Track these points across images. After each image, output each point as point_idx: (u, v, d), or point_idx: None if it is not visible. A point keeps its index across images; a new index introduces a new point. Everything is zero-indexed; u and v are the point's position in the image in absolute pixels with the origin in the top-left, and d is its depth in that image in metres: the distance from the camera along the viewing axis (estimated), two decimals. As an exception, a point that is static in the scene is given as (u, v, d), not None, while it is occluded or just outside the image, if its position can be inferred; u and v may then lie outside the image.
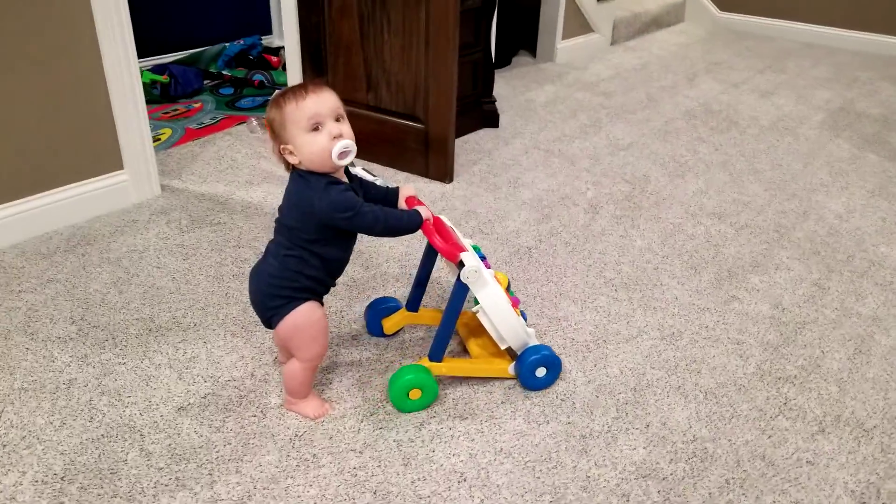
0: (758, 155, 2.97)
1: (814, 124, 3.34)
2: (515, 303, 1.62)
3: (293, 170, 1.40)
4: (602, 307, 1.92)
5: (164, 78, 3.40)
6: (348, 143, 1.34)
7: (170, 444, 1.44)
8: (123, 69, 2.23)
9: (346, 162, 1.36)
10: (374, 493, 1.35)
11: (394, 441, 1.47)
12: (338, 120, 1.36)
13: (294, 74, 2.92)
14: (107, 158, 2.31)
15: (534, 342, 1.60)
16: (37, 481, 1.36)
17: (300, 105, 1.32)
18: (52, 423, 1.49)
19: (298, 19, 2.77)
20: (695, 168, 2.82)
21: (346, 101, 2.74)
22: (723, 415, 1.55)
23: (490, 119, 3.21)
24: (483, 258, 1.57)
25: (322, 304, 1.48)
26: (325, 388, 1.61)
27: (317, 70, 2.81)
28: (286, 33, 2.85)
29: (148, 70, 3.46)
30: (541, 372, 1.59)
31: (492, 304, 1.51)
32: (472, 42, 3.00)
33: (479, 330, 1.68)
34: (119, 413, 1.52)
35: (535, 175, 2.71)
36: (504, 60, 4.19)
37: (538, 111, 3.43)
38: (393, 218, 1.42)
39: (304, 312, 1.42)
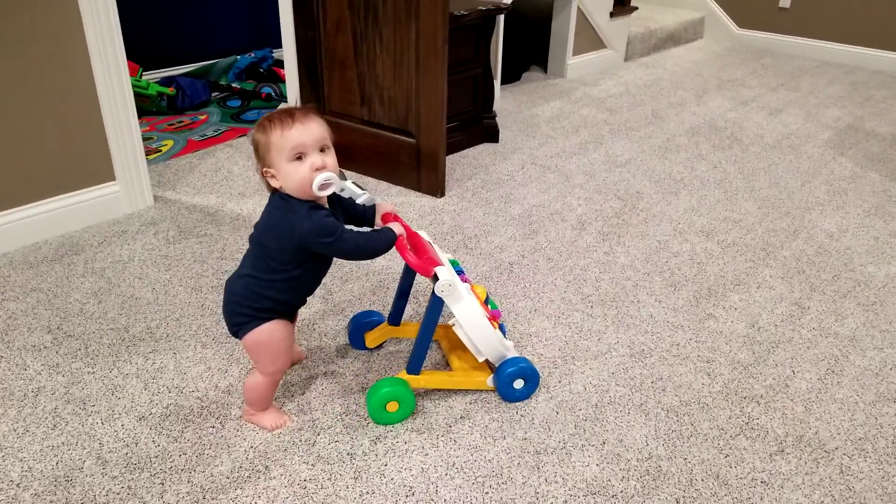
0: (756, 173, 2.93)
1: (819, 142, 3.29)
2: (496, 315, 1.62)
3: (274, 192, 1.41)
4: (575, 323, 1.90)
5: (170, 90, 3.47)
6: (329, 175, 1.34)
7: (126, 454, 1.46)
8: (115, 83, 2.28)
9: (326, 193, 1.36)
10: (321, 505, 1.35)
11: (347, 454, 1.47)
12: (322, 150, 1.36)
13: (292, 88, 2.97)
14: (99, 170, 2.36)
15: (512, 354, 1.60)
16: (-7, 486, 1.38)
17: (285, 134, 1.32)
18: (15, 430, 1.52)
19: (295, 34, 2.81)
20: (689, 185, 2.79)
21: (341, 115, 2.81)
22: (682, 433, 1.53)
23: (490, 134, 3.21)
24: (461, 272, 1.58)
25: (292, 321, 1.50)
26: (288, 400, 1.61)
27: (313, 84, 2.84)
28: (284, 47, 2.90)
29: (156, 82, 3.54)
30: (518, 384, 1.59)
31: (467, 318, 1.51)
32: (472, 58, 3.02)
33: (460, 343, 1.68)
34: (81, 421, 1.54)
35: (528, 191, 2.71)
36: (513, 76, 4.20)
37: (541, 127, 3.42)
38: (371, 241, 1.42)
39: (266, 331, 1.43)
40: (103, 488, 1.38)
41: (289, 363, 1.52)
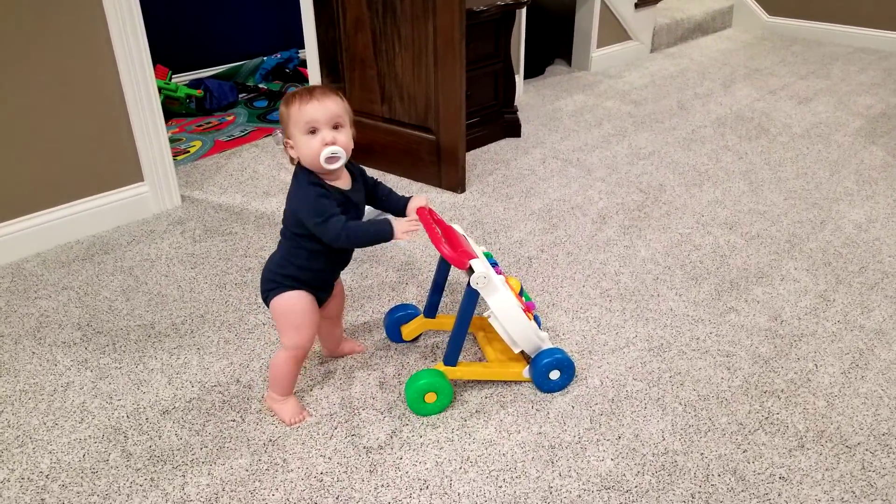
0: (784, 163, 2.88)
1: (849, 131, 3.22)
2: (530, 307, 1.63)
3: (296, 164, 1.46)
4: (593, 318, 1.89)
5: (198, 92, 3.53)
6: (336, 149, 1.39)
7: (150, 446, 1.50)
8: (141, 88, 2.33)
9: (334, 167, 1.41)
10: (337, 498, 1.37)
11: (363, 448, 1.49)
12: (336, 127, 1.40)
13: (315, 88, 2.99)
14: (128, 171, 2.42)
15: (547, 346, 1.61)
16: (23, 479, 1.43)
17: (301, 108, 1.38)
18: (45, 424, 1.57)
19: (316, 34, 2.84)
20: (714, 177, 2.76)
21: (362, 113, 2.84)
22: (699, 428, 1.51)
23: (512, 129, 3.21)
24: (494, 264, 1.60)
25: (320, 301, 1.53)
26: (306, 393, 1.64)
27: (335, 83, 2.87)
28: (307, 48, 2.92)
29: (184, 85, 3.60)
30: (554, 374, 1.60)
31: (502, 309, 1.53)
32: (492, 53, 3.02)
33: (495, 335, 1.70)
34: (108, 415, 1.59)
35: (549, 185, 2.70)
36: (537, 70, 4.18)
37: (564, 120, 3.41)
38: (359, 232, 1.42)
39: (288, 298, 1.48)
40: (127, 480, 1.42)
41: (310, 340, 1.52)
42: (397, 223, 1.45)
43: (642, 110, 3.54)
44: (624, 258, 2.18)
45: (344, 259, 1.56)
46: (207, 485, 1.41)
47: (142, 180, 2.46)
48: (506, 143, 3.12)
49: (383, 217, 1.49)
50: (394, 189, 1.61)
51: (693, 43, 4.91)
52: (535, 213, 2.48)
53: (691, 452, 1.45)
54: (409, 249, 2.23)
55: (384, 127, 2.78)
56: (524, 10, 3.59)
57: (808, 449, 1.46)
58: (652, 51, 4.69)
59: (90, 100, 2.25)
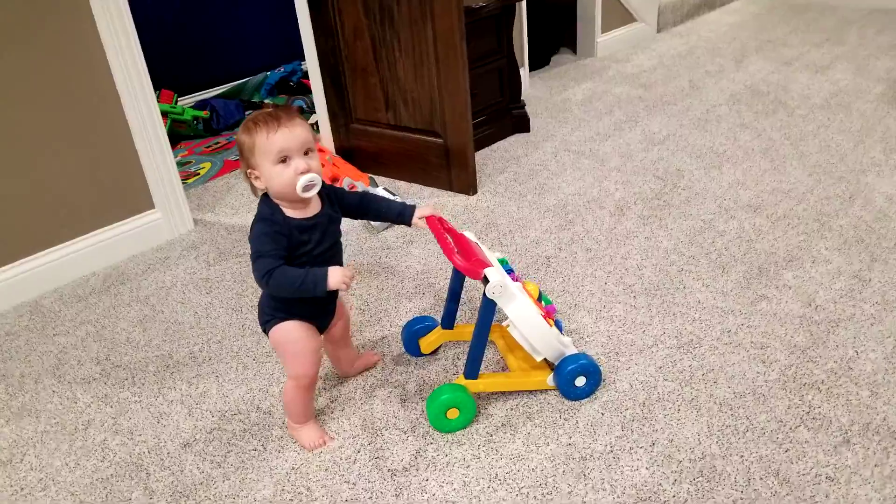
0: (805, 137, 2.79)
1: (871, 98, 3.11)
2: (550, 312, 1.58)
3: (262, 195, 1.41)
4: (618, 316, 1.83)
5: (204, 113, 3.52)
6: (313, 177, 1.34)
7: (172, 482, 1.47)
8: (145, 115, 2.31)
9: (310, 194, 1.36)
10: (365, 526, 1.33)
11: (388, 471, 1.44)
12: (306, 153, 1.36)
13: (318, 99, 2.95)
14: (138, 200, 2.40)
15: (571, 351, 1.55)
16: (48, 524, 1.41)
17: (270, 137, 1.32)
18: (67, 465, 1.54)
19: (315, 45, 2.80)
20: (733, 157, 2.67)
21: (367, 121, 2.79)
22: (737, 428, 1.45)
23: (520, 124, 3.15)
24: (510, 271, 1.55)
25: (319, 330, 1.49)
26: (327, 415, 1.60)
27: (338, 93, 2.83)
28: (307, 59, 2.88)
29: (190, 107, 3.59)
30: (580, 381, 1.54)
31: (521, 318, 1.48)
32: (495, 49, 2.96)
33: (516, 343, 1.64)
34: (129, 451, 1.56)
35: (563, 179, 2.64)
36: (542, 61, 4.12)
37: (573, 110, 3.34)
38: (284, 279, 1.32)
39: (281, 329, 1.44)
40: (152, 521, 1.39)
41: (311, 369, 1.48)
42: (333, 273, 1.34)
43: (653, 93, 3.46)
44: (646, 250, 2.12)
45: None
46: (232, 520, 1.37)
47: (153, 207, 2.44)
48: (515, 140, 3.06)
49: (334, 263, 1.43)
50: (405, 197, 1.56)
51: (700, 19, 4.81)
52: (551, 210, 2.42)
53: (730, 455, 1.39)
54: (423, 258, 2.19)
55: (390, 134, 2.73)
56: (524, 2, 3.52)
57: (854, 444, 1.39)
58: (658, 31, 4.60)
59: (95, 131, 2.23)
